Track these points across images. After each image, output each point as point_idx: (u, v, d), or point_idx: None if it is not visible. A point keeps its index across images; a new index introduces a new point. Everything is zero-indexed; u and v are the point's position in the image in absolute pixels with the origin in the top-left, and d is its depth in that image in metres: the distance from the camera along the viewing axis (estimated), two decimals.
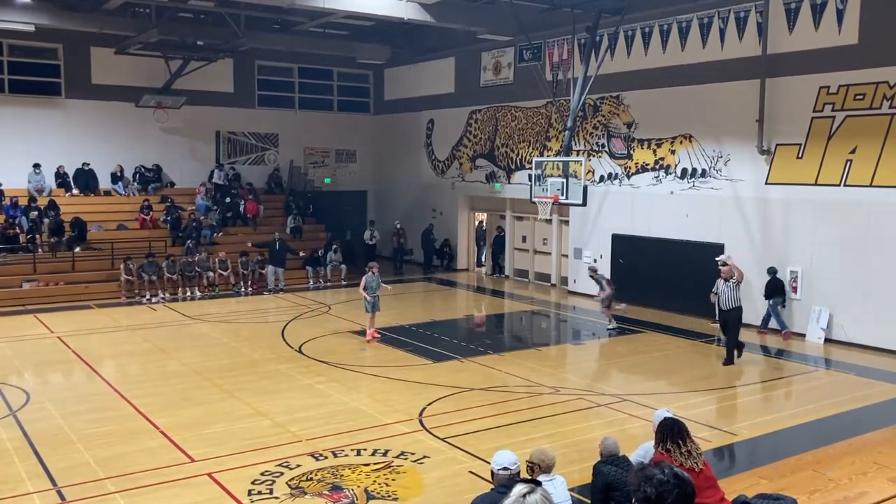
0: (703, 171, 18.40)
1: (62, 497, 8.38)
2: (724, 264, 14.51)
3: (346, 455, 9.56)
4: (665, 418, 5.86)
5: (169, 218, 23.96)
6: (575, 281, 21.99)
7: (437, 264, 26.73)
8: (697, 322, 17.59)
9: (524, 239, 24.82)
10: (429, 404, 11.70)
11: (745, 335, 14.94)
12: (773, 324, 16.77)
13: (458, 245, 26.93)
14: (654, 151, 19.56)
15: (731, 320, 14.22)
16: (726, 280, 14.18)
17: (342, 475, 8.92)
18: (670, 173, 19.17)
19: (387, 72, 29.44)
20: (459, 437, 10.21)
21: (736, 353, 14.26)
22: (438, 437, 10.25)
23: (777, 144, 16.81)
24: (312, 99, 29.03)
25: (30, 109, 23.67)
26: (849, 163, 15.51)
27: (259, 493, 8.43)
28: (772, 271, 16.51)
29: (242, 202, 25.83)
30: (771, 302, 16.56)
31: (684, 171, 18.85)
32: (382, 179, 29.97)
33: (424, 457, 9.54)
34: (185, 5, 20.30)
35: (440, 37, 24.72)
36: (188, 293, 21.51)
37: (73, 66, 24.33)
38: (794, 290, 16.59)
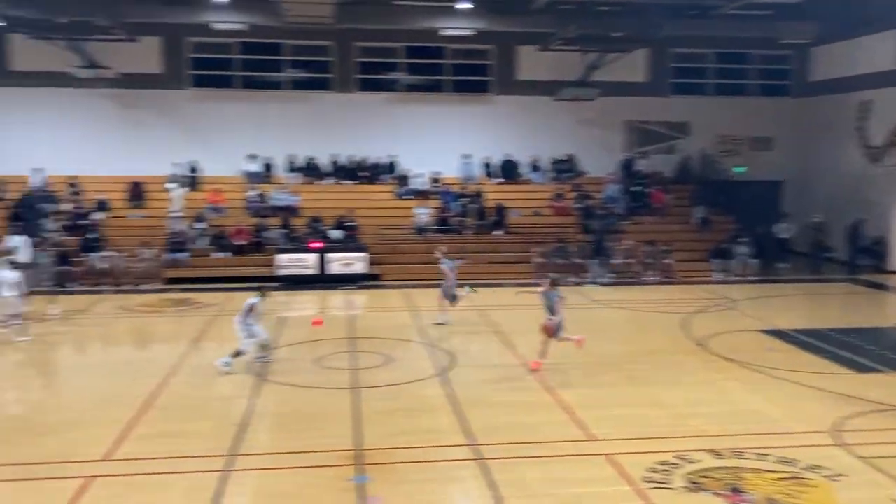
0: None
1: (479, 454, 9.34)
2: None
3: (748, 458, 9.11)
4: None
5: (580, 205, 25.02)
6: None
7: (865, 264, 23.80)
8: None
9: None
10: (848, 418, 10.57)
11: None
12: None
13: (893, 243, 23.67)
14: None
15: None
16: None
17: (743, 478, 8.53)
18: None
19: (813, 50, 26.95)
20: (885, 460, 9.06)
21: None
22: (859, 456, 9.22)
23: None
24: (727, 84, 27.83)
25: (463, 107, 26.55)
26: None
27: (655, 481, 8.46)
28: None
29: (650, 192, 25.86)
30: None
31: None
32: (800, 168, 27.56)
33: (840, 475, 8.67)
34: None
35: (879, 7, 21.84)
36: (594, 278, 22.26)
37: (502, 65, 26.66)
38: None
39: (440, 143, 26.09)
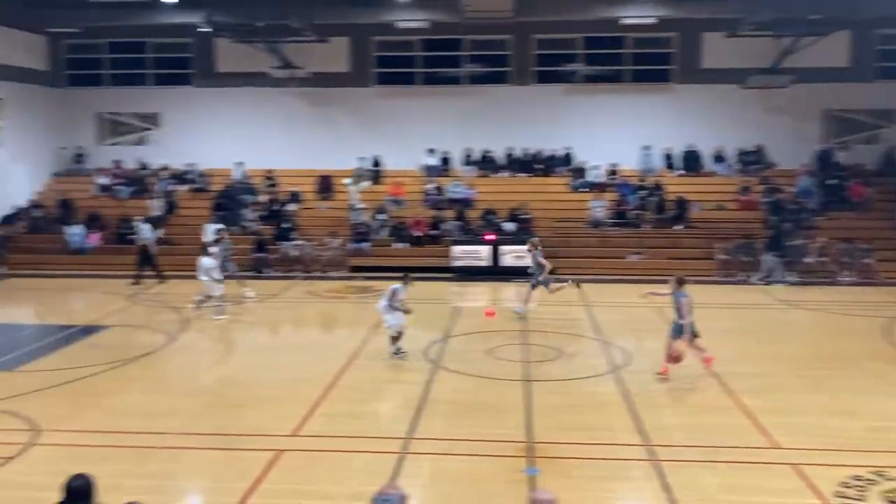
0: None
1: (652, 454, 9.11)
2: None
3: None
4: None
5: (768, 200, 23.59)
6: None
7: None
8: None
9: None
10: None
11: None
12: None
13: None
14: None
15: None
16: None
17: None
18: None
19: None
20: None
21: None
22: None
23: None
24: None
25: (643, 96, 25.80)
26: None
27: (847, 497, 7.87)
28: None
29: (848, 185, 23.93)
30: None
31: None
32: None
33: None
34: None
35: None
36: (783, 277, 20.93)
37: (685, 53, 25.64)
38: None
39: (618, 134, 25.51)
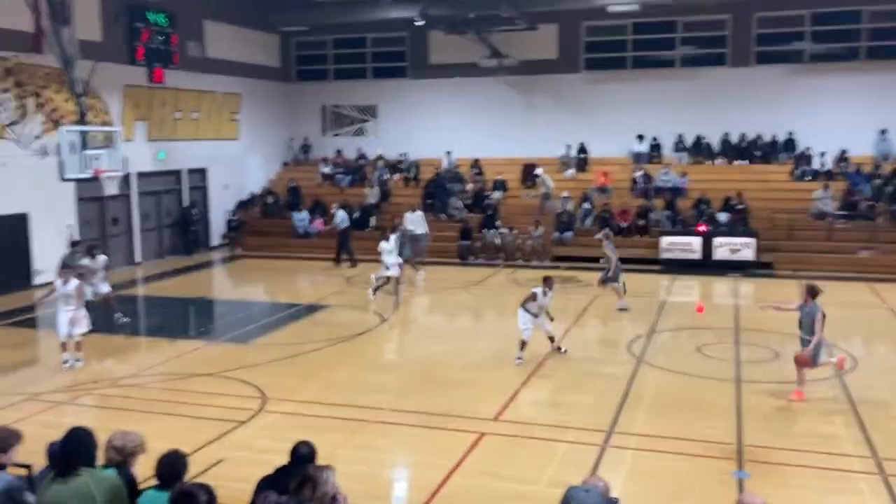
0: None
1: (881, 468, 8.33)
2: None
3: None
4: None
5: None
6: None
7: None
8: None
9: None
10: None
11: None
12: None
13: None
14: None
15: None
16: None
17: None
18: None
19: None
20: None
21: None
22: None
23: None
24: None
25: (880, 75, 23.37)
26: None
27: None
28: None
29: None
30: None
31: None
32: None
33: None
34: None
35: None
36: None
37: None
38: None
39: (849, 118, 23.35)
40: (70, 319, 12.00)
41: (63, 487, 4.47)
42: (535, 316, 12.35)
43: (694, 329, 14.52)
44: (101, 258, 15.00)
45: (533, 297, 12.30)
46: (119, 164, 17.04)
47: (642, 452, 8.92)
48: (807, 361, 10.37)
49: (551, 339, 12.67)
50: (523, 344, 12.26)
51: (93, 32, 19.18)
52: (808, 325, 10.42)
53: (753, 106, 24.33)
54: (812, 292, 10.48)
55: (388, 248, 17.32)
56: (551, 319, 12.67)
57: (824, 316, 10.35)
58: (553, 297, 12.63)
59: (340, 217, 22.38)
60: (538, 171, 24.58)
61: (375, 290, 17.42)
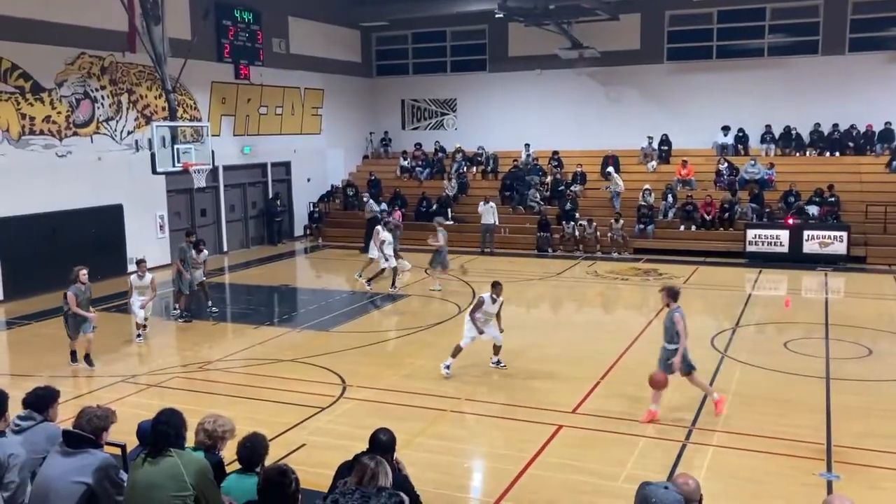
0: None
1: None
2: None
3: None
4: None
5: None
6: None
7: None
8: None
9: None
10: None
11: None
12: None
13: None
14: None
15: None
16: None
17: None
18: None
19: None
20: None
21: None
22: None
23: None
24: None
25: None
26: None
27: None
28: None
29: None
30: None
31: None
32: None
33: None
34: None
35: None
36: None
37: None
38: None
39: None
40: (142, 304, 13.68)
41: (154, 468, 4.61)
42: (481, 331, 11.28)
43: (781, 324, 14.08)
44: (204, 253, 16.04)
45: (480, 303, 11.33)
46: (207, 158, 17.69)
47: (724, 450, 8.70)
48: (663, 382, 9.27)
49: (496, 349, 11.65)
50: (458, 350, 11.29)
51: (182, 31, 19.85)
52: (669, 330, 9.40)
53: (847, 95, 23.32)
54: (672, 294, 9.47)
55: (389, 239, 17.67)
56: (501, 331, 11.58)
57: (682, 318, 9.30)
58: (502, 303, 11.56)
59: (371, 205, 23.03)
60: (609, 169, 24.23)
61: (370, 280, 17.75)
